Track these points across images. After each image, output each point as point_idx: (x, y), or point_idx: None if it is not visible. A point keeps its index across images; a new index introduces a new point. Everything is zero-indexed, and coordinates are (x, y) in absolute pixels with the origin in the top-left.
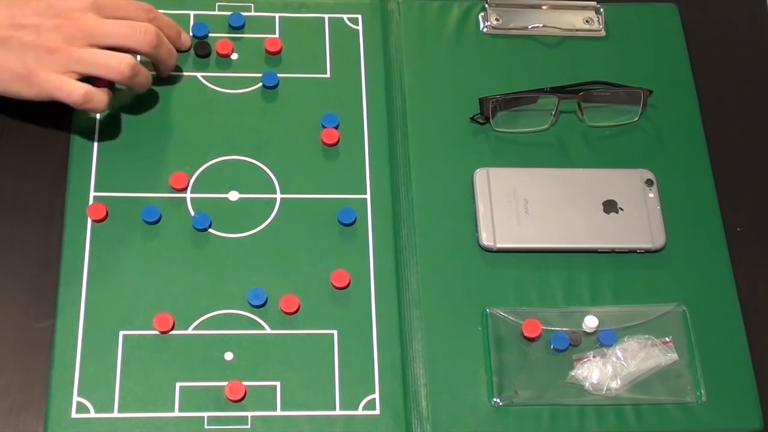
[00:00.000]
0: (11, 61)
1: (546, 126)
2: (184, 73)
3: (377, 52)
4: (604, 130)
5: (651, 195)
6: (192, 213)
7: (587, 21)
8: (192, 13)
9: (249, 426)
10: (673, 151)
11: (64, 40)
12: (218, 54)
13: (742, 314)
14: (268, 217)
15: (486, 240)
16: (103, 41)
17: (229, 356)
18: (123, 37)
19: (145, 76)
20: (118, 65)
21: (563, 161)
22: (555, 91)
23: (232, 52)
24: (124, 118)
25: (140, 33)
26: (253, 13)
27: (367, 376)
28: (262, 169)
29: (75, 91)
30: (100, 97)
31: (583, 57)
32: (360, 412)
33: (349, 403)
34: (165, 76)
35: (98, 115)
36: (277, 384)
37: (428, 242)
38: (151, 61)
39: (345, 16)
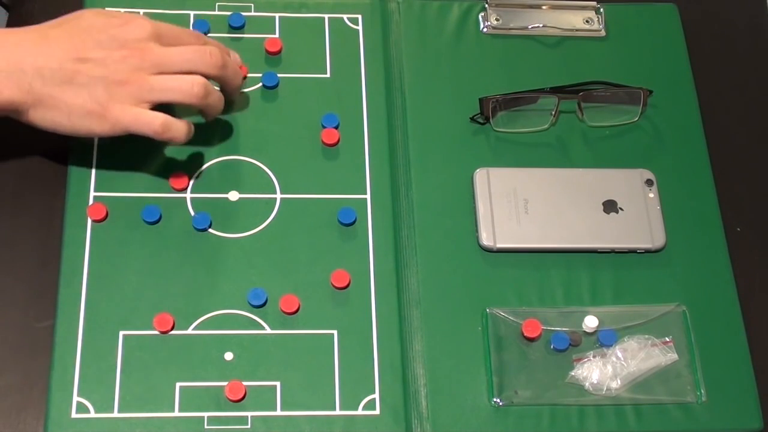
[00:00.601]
0: (81, 97)
1: (546, 126)
2: None
3: (377, 52)
4: (604, 130)
5: (651, 195)
6: (192, 213)
7: (587, 21)
8: (192, 12)
9: (249, 426)
10: (673, 151)
11: (132, 71)
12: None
13: (742, 314)
14: (268, 217)
15: (486, 240)
16: (170, 68)
17: (229, 356)
18: (190, 61)
19: (218, 97)
20: (190, 87)
21: (563, 161)
22: (555, 91)
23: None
24: None
25: (207, 56)
26: (253, 13)
27: (367, 376)
28: (262, 169)
29: (153, 122)
30: (178, 126)
31: (583, 57)
32: (360, 412)
33: (349, 403)
34: (234, 98)
35: None
36: (277, 384)
37: (428, 242)
38: (219, 84)
39: (345, 16)
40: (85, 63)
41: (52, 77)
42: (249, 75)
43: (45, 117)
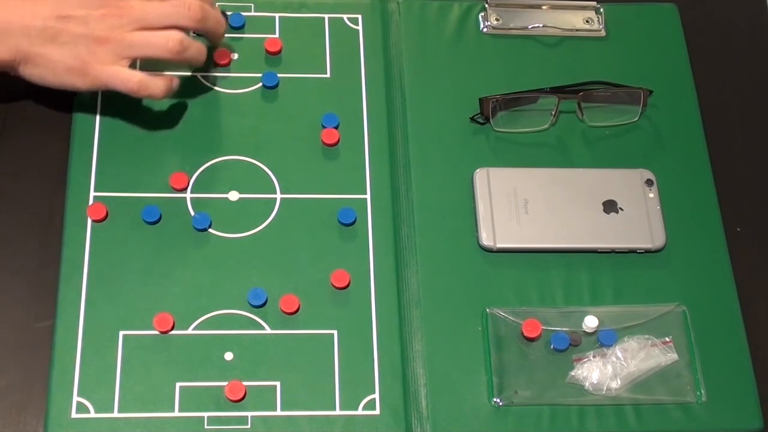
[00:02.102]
0: (64, 54)
1: (546, 126)
2: (184, 73)
3: (377, 52)
4: (604, 130)
5: (651, 195)
6: (192, 213)
7: (587, 21)
8: None
9: (249, 426)
10: (673, 151)
11: (112, 29)
12: (216, 64)
13: (742, 314)
14: (268, 217)
15: (486, 240)
16: (149, 24)
17: (229, 356)
18: (169, 16)
19: (197, 49)
20: (165, 43)
21: (563, 161)
22: (555, 91)
23: (230, 62)
24: (124, 118)
25: (185, 9)
26: (253, 13)
27: (367, 376)
28: (262, 169)
29: (130, 80)
30: (156, 83)
31: (583, 57)
32: (360, 412)
33: (349, 403)
34: (218, 44)
35: (97, 116)
36: (277, 384)
37: (428, 242)
38: (202, 34)
39: (345, 16)
40: (67, 22)
41: (38, 36)
42: (249, 75)
43: (33, 73)
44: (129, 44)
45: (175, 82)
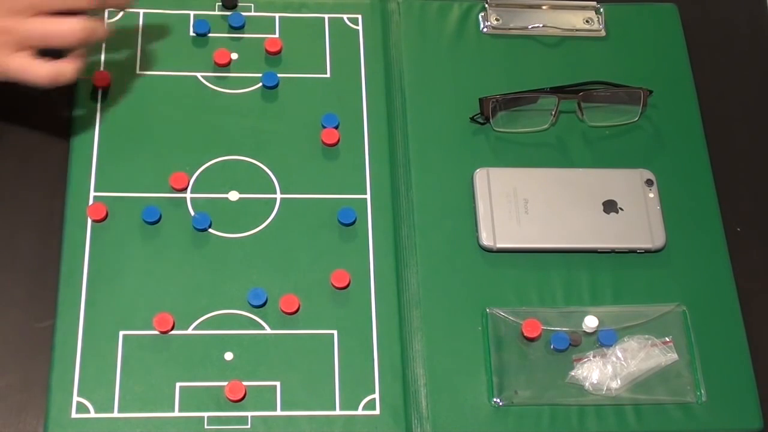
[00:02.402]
0: None
1: (546, 126)
2: (184, 73)
3: (377, 52)
4: (604, 130)
5: (651, 195)
6: (192, 213)
7: (587, 21)
8: (192, 12)
9: (249, 426)
10: (673, 151)
11: (9, 15)
12: (216, 64)
13: (742, 314)
14: (268, 217)
15: (486, 240)
16: (48, 8)
17: (229, 356)
18: (65, 1)
19: (102, 29)
20: (71, 32)
21: (563, 161)
22: (555, 91)
23: (230, 62)
24: (124, 118)
25: None
26: (253, 13)
27: (367, 376)
28: (262, 169)
29: (39, 73)
30: (66, 69)
31: (583, 57)
32: (360, 412)
33: (349, 403)
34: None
35: (97, 116)
36: (277, 384)
37: (428, 242)
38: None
39: (345, 16)
40: None
41: None
42: (249, 75)
43: None
44: (30, 35)
45: (83, 55)
